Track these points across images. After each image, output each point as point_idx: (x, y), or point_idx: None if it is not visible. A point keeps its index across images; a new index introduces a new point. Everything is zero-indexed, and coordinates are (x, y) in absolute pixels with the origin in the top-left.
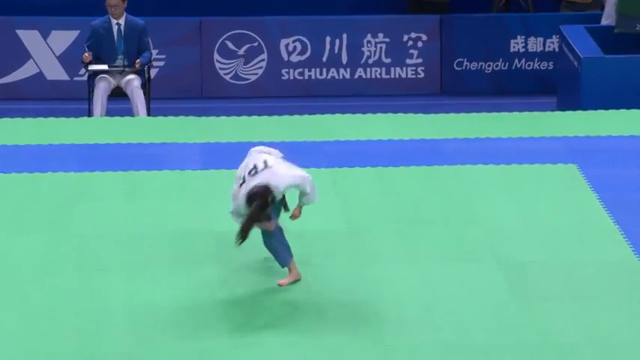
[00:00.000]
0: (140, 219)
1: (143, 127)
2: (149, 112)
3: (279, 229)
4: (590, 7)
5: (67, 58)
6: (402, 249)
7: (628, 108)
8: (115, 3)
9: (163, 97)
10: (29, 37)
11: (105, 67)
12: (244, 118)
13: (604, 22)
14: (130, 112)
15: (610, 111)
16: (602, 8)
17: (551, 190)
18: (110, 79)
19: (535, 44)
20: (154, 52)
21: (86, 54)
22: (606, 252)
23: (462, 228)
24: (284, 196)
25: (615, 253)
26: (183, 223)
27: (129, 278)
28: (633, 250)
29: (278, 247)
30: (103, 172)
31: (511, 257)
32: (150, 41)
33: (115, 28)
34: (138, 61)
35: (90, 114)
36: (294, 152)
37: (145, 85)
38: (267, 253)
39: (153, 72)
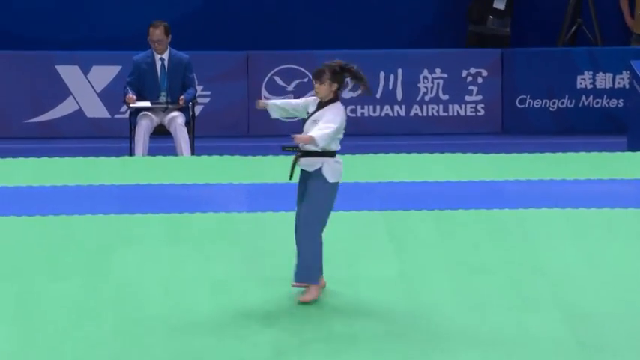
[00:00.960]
0: (183, 264)
1: (187, 167)
2: (193, 152)
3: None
4: None
5: (108, 95)
6: (460, 297)
7: None
8: (159, 38)
9: (208, 136)
10: (69, 73)
11: (147, 103)
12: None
13: None
14: (173, 152)
15: None
16: None
17: (621, 236)
18: (153, 116)
19: (603, 80)
20: (199, 88)
21: (130, 95)
22: None
23: (524, 275)
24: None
25: None
26: (227, 269)
27: (171, 327)
28: None
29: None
30: (145, 214)
31: (577, 307)
32: (195, 77)
33: (158, 64)
34: (182, 97)
35: (131, 153)
36: (345, 194)
37: (189, 123)
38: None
39: (197, 109)
